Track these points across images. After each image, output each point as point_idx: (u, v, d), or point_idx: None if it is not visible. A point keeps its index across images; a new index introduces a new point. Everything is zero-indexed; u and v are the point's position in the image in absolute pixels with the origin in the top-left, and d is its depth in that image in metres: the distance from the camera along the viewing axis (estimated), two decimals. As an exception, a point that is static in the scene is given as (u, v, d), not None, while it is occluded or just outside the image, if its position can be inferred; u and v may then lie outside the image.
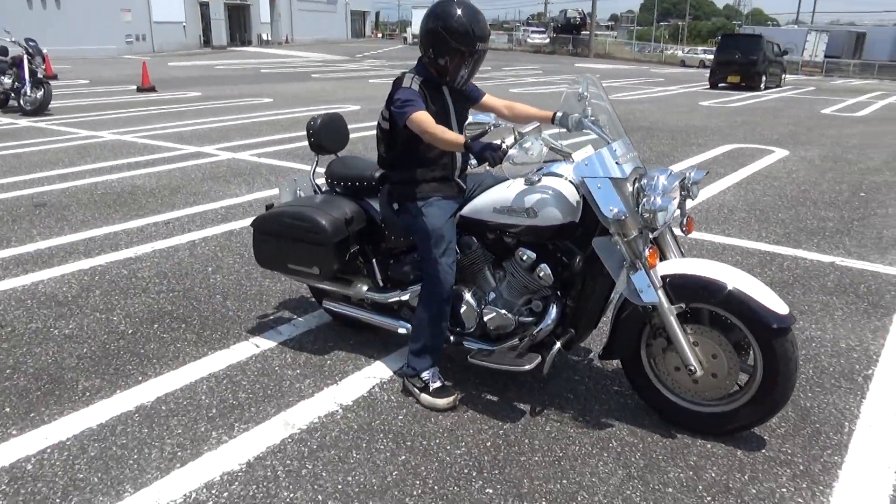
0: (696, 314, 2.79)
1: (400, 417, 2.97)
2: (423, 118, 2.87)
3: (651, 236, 2.74)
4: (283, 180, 6.92)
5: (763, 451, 2.77)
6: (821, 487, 2.55)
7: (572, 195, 2.83)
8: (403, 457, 2.70)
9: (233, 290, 4.31)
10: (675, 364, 2.83)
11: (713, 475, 2.61)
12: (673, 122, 13.04)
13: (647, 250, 2.64)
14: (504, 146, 2.66)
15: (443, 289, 3.01)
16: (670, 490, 2.53)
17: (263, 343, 3.62)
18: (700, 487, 2.54)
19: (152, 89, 16.59)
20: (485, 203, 2.99)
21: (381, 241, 3.37)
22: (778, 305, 2.63)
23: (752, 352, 2.72)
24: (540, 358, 2.94)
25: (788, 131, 12.18)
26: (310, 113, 12.69)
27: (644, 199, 2.60)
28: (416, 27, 56.19)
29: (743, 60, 22.28)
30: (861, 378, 3.37)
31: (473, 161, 2.66)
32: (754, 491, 2.53)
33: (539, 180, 2.83)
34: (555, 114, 3.17)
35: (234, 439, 2.79)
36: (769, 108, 16.54)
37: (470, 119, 2.67)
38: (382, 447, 2.76)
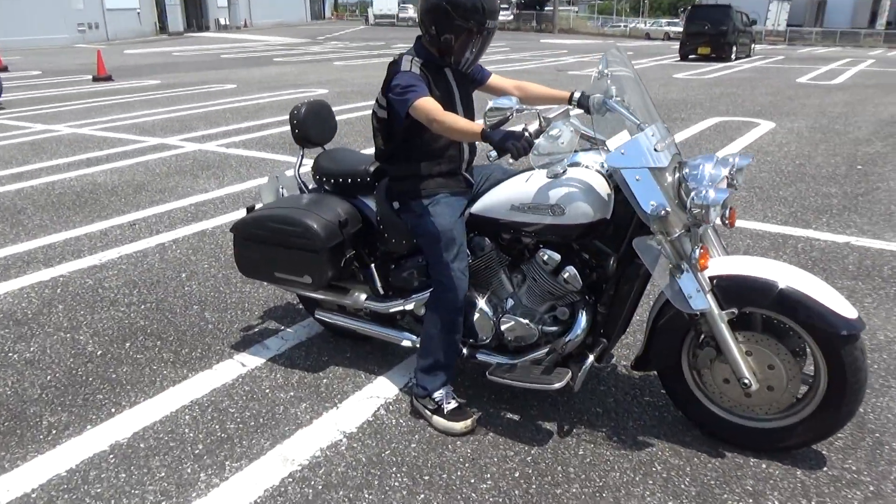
0: (747, 319, 2.47)
1: (413, 446, 2.61)
2: (428, 105, 2.49)
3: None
4: (263, 180, 6.52)
5: (825, 469, 2.47)
6: (897, 511, 2.27)
7: (603, 188, 2.48)
8: (423, 495, 2.35)
9: (211, 299, 3.89)
10: (724, 376, 2.51)
11: (776, 503, 2.31)
12: (651, 95, 12.73)
13: (697, 250, 2.30)
14: (527, 134, 2.29)
15: (456, 297, 2.65)
16: (731, 524, 2.22)
17: (250, 360, 3.22)
18: (764, 518, 2.24)
19: (109, 78, 15.82)
20: (499, 199, 2.62)
21: (378, 245, 2.99)
22: (846, 309, 2.32)
23: (815, 361, 2.40)
24: (570, 373, 2.60)
25: (769, 102, 11.98)
26: (276, 99, 12.16)
27: (694, 192, 2.25)
28: (377, 8, 55.16)
29: (712, 31, 22.12)
30: (908, 375, 3.10)
31: (493, 153, 2.29)
32: (825, 520, 2.23)
33: (564, 172, 2.47)
34: (572, 94, 2.81)
35: (227, 482, 2.41)
36: (744, 78, 16.35)
37: (490, 104, 2.29)
38: (397, 484, 2.41)
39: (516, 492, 2.37)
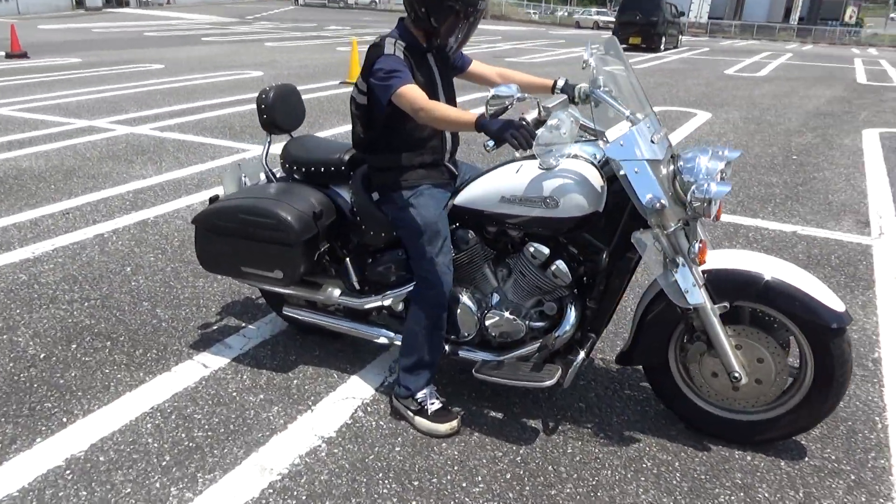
0: (736, 313, 2.46)
1: (397, 449, 2.49)
2: (413, 93, 2.36)
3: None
4: (205, 167, 6.20)
5: (806, 459, 2.50)
6: (881, 500, 2.31)
7: (596, 180, 2.41)
8: (414, 502, 2.25)
9: (161, 295, 3.64)
10: (712, 370, 2.50)
11: (766, 495, 2.31)
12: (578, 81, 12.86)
13: (696, 244, 2.26)
14: (525, 124, 2.19)
15: (440, 292, 2.54)
16: (727, 519, 2.21)
17: (212, 361, 3.02)
18: (758, 512, 2.24)
19: (24, 55, 14.80)
20: (487, 191, 2.52)
21: (353, 238, 2.84)
22: (834, 302, 2.34)
23: (801, 353, 2.42)
24: (560, 370, 2.53)
25: (703, 92, 12.30)
26: (209, 81, 11.65)
27: (695, 186, 2.21)
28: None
29: (643, 22, 22.58)
30: (871, 363, 3.18)
31: (490, 142, 2.18)
32: (815, 511, 2.25)
33: (557, 164, 2.39)
34: (555, 81, 2.73)
35: (201, 495, 2.24)
36: (675, 69, 16.76)
37: (493, 92, 2.18)
38: (386, 491, 2.29)
39: (510, 494, 2.29)
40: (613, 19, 26.99)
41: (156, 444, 2.47)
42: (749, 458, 2.50)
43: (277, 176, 3.01)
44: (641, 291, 2.78)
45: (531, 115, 2.23)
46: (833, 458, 2.52)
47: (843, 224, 5.16)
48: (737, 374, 2.40)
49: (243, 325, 3.35)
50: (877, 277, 4.16)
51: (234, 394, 2.79)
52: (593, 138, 2.45)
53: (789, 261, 4.28)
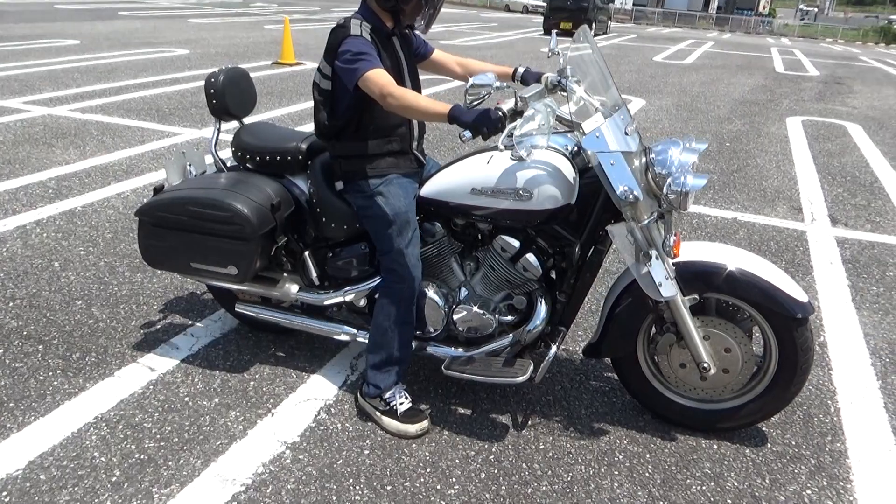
0: (703, 304, 2.47)
1: (366, 452, 2.40)
2: (382, 78, 2.24)
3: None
4: (133, 151, 5.84)
5: (769, 445, 2.55)
6: (841, 483, 2.38)
7: (569, 172, 2.36)
8: (387, 508, 2.16)
9: (96, 293, 3.39)
10: (680, 360, 2.50)
11: (735, 483, 2.34)
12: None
13: (671, 237, 2.24)
14: (501, 114, 2.11)
15: (411, 286, 2.45)
16: (701, 510, 2.22)
17: (159, 364, 2.83)
18: (729, 502, 2.25)
19: (-83, 26, 13.65)
20: (457, 182, 2.43)
21: (311, 230, 2.70)
22: (798, 293, 2.37)
23: (766, 342, 2.45)
24: (532, 365, 2.49)
25: (635, 79, 12.53)
26: (131, 59, 11.04)
27: (671, 179, 2.19)
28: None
29: (574, 7, 22.78)
30: (817, 347, 3.28)
31: (466, 133, 2.09)
32: (782, 498, 2.29)
33: (529, 155, 2.32)
34: (515, 70, 2.66)
35: (156, 512, 2.09)
36: (607, 55, 16.75)
37: (471, 81, 2.09)
38: (358, 497, 2.19)
39: (486, 495, 2.23)
40: (543, 3, 27.16)
41: (103, 458, 2.28)
42: (716, 446, 2.53)
43: (228, 165, 2.83)
44: (608, 283, 2.76)
45: (507, 105, 2.15)
46: (793, 443, 2.57)
47: (778, 210, 5.34)
48: (706, 365, 2.41)
49: (190, 323, 3.16)
50: (814, 263, 4.31)
51: (187, 399, 2.62)
52: (568, 129, 2.39)
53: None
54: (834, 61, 20.11)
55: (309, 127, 6.06)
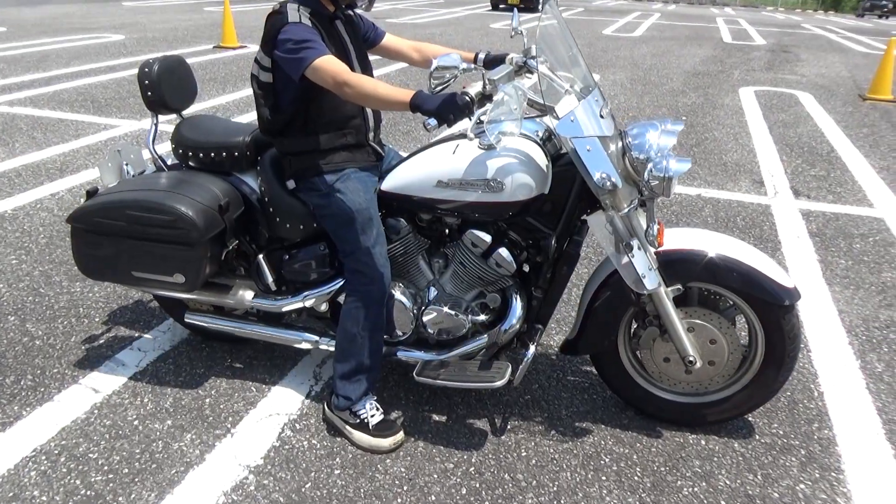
0: (685, 294, 2.35)
1: (337, 472, 2.21)
2: (334, 65, 2.04)
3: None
4: (67, 147, 5.45)
5: (757, 437, 2.45)
6: (833, 474, 2.29)
7: (542, 160, 2.19)
8: (363, 534, 1.99)
9: (31, 306, 3.11)
10: (664, 354, 2.38)
11: (727, 482, 2.24)
12: (478, 47, 12.69)
13: (654, 226, 2.10)
14: (468, 99, 1.93)
15: (381, 287, 2.27)
16: (695, 513, 2.11)
17: (103, 384, 2.59)
18: (722, 503, 2.15)
19: None
20: (420, 175, 2.24)
21: (263, 231, 2.49)
22: (784, 279, 2.26)
23: (752, 331, 2.34)
24: (510, 367, 2.33)
25: (588, 53, 12.41)
26: (63, 46, 10.45)
27: (652, 164, 2.04)
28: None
29: (521, -18, 22.53)
30: (795, 327, 3.21)
31: (431, 121, 1.90)
32: (776, 495, 2.20)
33: (499, 142, 2.15)
34: (476, 54, 2.46)
35: (106, 557, 1.87)
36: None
37: (436, 63, 1.91)
38: (330, 525, 2.01)
39: (469, 512, 2.08)
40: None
41: (44, 497, 2.05)
42: (703, 441, 2.42)
43: (168, 163, 2.58)
44: (583, 275, 2.62)
45: (474, 90, 1.97)
46: (781, 433, 2.49)
47: (740, 185, 5.28)
48: (691, 359, 2.29)
49: (136, 335, 2.91)
50: (782, 238, 4.26)
51: (136, 423, 2.39)
52: (539, 114, 2.22)
53: (699, 224, 4.33)
54: (779, 29, 20.37)
55: (249, 116, 5.65)
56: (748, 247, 2.34)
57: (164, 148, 2.62)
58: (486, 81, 1.98)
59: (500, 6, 22.94)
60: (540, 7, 2.40)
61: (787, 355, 2.30)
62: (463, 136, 2.25)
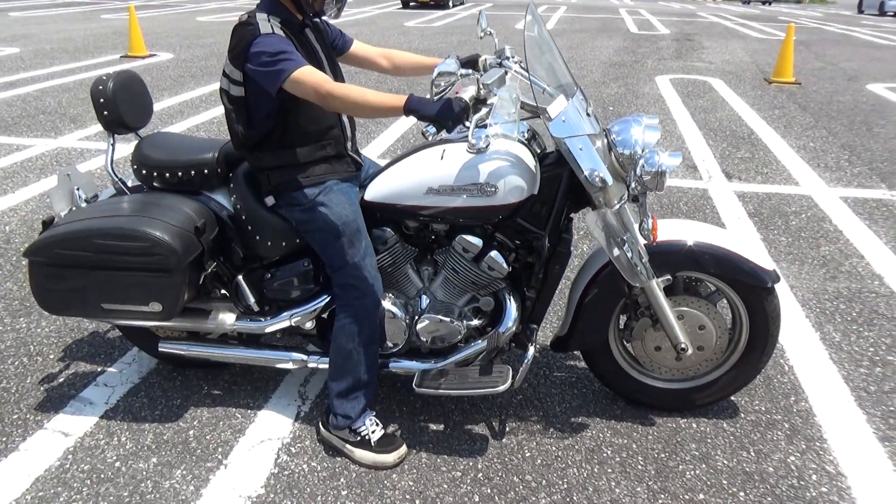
0: (672, 283, 2.40)
1: (344, 493, 2.14)
2: (314, 76, 1.99)
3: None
4: (53, 180, 5.07)
5: (742, 415, 2.54)
6: (817, 444, 2.40)
7: (530, 160, 2.19)
8: (383, 555, 1.93)
9: (-27, 347, 2.86)
10: (655, 344, 2.43)
11: (724, 462, 2.31)
12: (398, 46, 12.62)
13: (648, 220, 2.13)
14: (464, 104, 1.90)
15: (374, 300, 2.21)
16: (702, 496, 2.16)
17: (72, 426, 2.41)
18: (725, 483, 2.21)
19: None
20: (408, 182, 2.19)
21: (238, 250, 2.37)
22: (766, 261, 2.35)
23: (735, 314, 2.43)
24: (511, 370, 2.32)
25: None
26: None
27: (643, 160, 2.07)
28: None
29: (430, -21, 22.58)
30: (755, 305, 3.35)
31: (430, 128, 1.86)
32: (771, 469, 2.28)
33: (487, 146, 2.12)
34: (445, 61, 2.43)
35: None
36: (470, 25, 16.98)
37: (438, 69, 1.87)
38: (347, 549, 1.95)
39: (486, 520, 2.05)
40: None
41: (30, 556, 1.89)
42: (695, 424, 2.48)
43: (130, 185, 2.42)
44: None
45: (468, 94, 1.94)
46: (763, 409, 2.58)
47: (676, 171, 5.46)
48: (683, 346, 2.35)
49: (99, 370, 2.72)
50: (725, 220, 4.43)
51: (118, 464, 2.23)
52: (532, 115, 2.21)
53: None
54: (678, 18, 21.23)
55: (184, 125, 5.50)
56: (728, 233, 2.42)
57: (90, 165, 2.46)
58: (481, 86, 1.95)
59: (411, 3, 22.93)
60: (486, 24, 2.41)
61: (770, 335, 2.39)
62: (446, 140, 2.23)
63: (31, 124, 6.43)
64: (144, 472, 2.20)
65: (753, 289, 2.32)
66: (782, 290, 3.48)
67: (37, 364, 2.75)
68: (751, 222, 4.40)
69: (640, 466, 2.28)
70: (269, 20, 2.07)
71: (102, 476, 2.18)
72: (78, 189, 2.48)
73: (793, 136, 6.61)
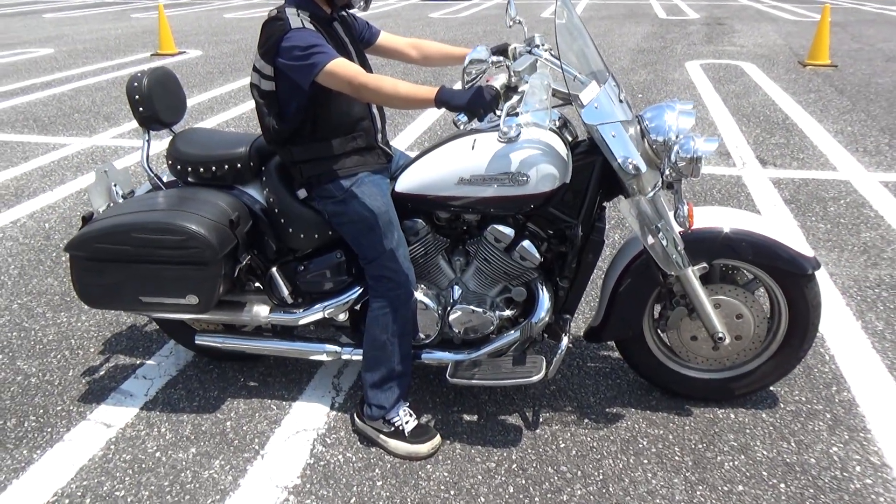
0: (707, 272, 2.36)
1: (379, 483, 2.15)
2: (348, 68, 1.98)
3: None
4: (22, 169, 5.18)
5: (782, 405, 2.50)
6: (861, 434, 2.35)
7: (562, 149, 2.17)
8: (420, 545, 1.94)
9: (17, 342, 2.93)
10: (691, 333, 2.39)
11: (764, 453, 2.27)
12: (424, 36, 12.58)
13: (683, 207, 2.10)
14: (495, 92, 1.89)
15: (408, 290, 2.22)
16: (741, 488, 2.13)
17: (113, 417, 2.46)
18: (765, 474, 2.18)
19: None
20: (440, 173, 2.19)
21: (271, 243, 2.39)
22: (805, 248, 2.30)
23: (774, 303, 2.38)
24: (544, 361, 2.31)
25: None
26: (-10, 61, 9.91)
27: (678, 145, 2.03)
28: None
29: (454, -30, 22.46)
30: (792, 293, 3.28)
31: (462, 117, 1.85)
32: (813, 460, 2.24)
33: (518, 135, 2.10)
34: (476, 48, 2.41)
35: None
36: (496, 15, 16.87)
37: (470, 56, 1.87)
38: (384, 539, 1.96)
39: (522, 511, 2.05)
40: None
41: (76, 544, 1.93)
42: (732, 415, 2.45)
43: (165, 181, 2.45)
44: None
45: (499, 82, 1.93)
46: (803, 399, 2.53)
47: (709, 158, 5.36)
48: (720, 335, 2.31)
49: (138, 362, 2.77)
50: (760, 207, 4.35)
51: (158, 454, 2.28)
52: (564, 102, 2.19)
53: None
54: (708, 2, 20.82)
55: (214, 120, 5.54)
56: (765, 220, 2.37)
57: (124, 161, 2.49)
58: (512, 73, 1.94)
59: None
60: (515, 12, 2.38)
61: (810, 324, 2.34)
62: (477, 130, 2.22)
63: (66, 123, 6.56)
64: (184, 462, 2.24)
65: (793, 276, 2.27)
66: (822, 277, 3.41)
67: (78, 357, 2.81)
68: (787, 209, 4.31)
69: (676, 457, 2.25)
70: (298, 14, 2.07)
71: (144, 466, 2.22)
72: (115, 185, 2.52)
73: (829, 120, 6.46)
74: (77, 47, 11.53)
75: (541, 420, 2.43)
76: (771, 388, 2.57)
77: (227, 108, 7.04)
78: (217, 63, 9.84)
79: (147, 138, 2.47)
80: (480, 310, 2.32)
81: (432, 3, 20.95)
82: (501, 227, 2.24)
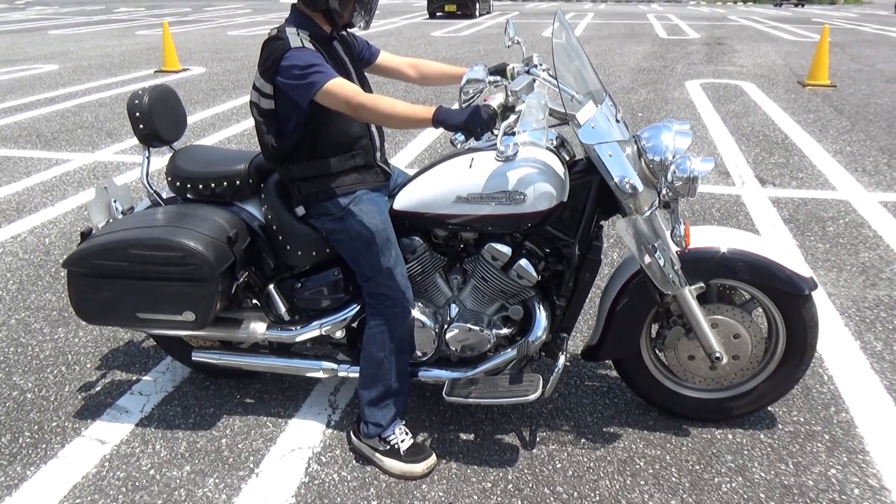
0: (705, 291, 2.36)
1: (374, 503, 2.14)
2: (347, 87, 2.00)
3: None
4: (22, 185, 5.20)
5: (780, 426, 2.48)
6: (860, 456, 2.33)
7: (559, 168, 2.18)
8: (414, 566, 1.92)
9: (14, 357, 2.93)
10: (689, 353, 2.38)
11: (762, 474, 2.25)
12: (424, 55, 12.69)
13: (680, 227, 2.10)
14: (493, 111, 1.90)
15: (405, 308, 2.22)
16: (739, 509, 2.11)
17: (108, 434, 2.45)
18: (762, 496, 2.16)
19: None
20: (437, 191, 2.19)
21: (268, 260, 2.39)
22: (802, 269, 2.30)
23: (771, 323, 2.37)
24: (541, 379, 2.30)
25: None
26: (-6, 77, 9.98)
27: (674, 165, 2.04)
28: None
29: (457, -12, 22.67)
30: (791, 313, 3.27)
31: (459, 136, 1.86)
32: (811, 482, 2.22)
33: (515, 154, 2.11)
34: (473, 68, 2.43)
35: None
36: (497, 34, 17.01)
37: (467, 76, 1.88)
38: (378, 560, 1.94)
39: (517, 532, 2.03)
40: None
41: (68, 563, 1.92)
42: (730, 435, 2.43)
43: (165, 197, 2.46)
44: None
45: (496, 101, 1.94)
46: (801, 420, 2.52)
47: (707, 177, 5.39)
48: (718, 355, 2.30)
49: (135, 378, 2.77)
50: (759, 227, 4.36)
51: (152, 472, 2.26)
52: (561, 122, 2.20)
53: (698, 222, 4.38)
54: (708, 23, 21.02)
55: (216, 137, 5.59)
56: (762, 239, 2.37)
57: (126, 178, 2.50)
58: (509, 93, 1.95)
59: (437, 14, 23.05)
60: (514, 33, 2.42)
61: (808, 344, 2.34)
62: (475, 149, 2.23)
63: (69, 139, 6.59)
64: (178, 481, 2.22)
65: (790, 296, 2.27)
66: (820, 297, 3.40)
67: (74, 373, 2.80)
68: (786, 228, 4.31)
69: (673, 479, 2.24)
70: (298, 34, 2.09)
71: (137, 484, 2.21)
72: (115, 201, 2.53)
73: (829, 140, 6.48)
74: (82, 63, 11.63)
75: (537, 439, 2.42)
76: (769, 408, 2.56)
77: (229, 125, 7.08)
78: (220, 80, 9.91)
79: (147, 155, 2.48)
80: (477, 328, 2.32)
81: (434, 21, 21.11)
82: (499, 246, 2.24)
